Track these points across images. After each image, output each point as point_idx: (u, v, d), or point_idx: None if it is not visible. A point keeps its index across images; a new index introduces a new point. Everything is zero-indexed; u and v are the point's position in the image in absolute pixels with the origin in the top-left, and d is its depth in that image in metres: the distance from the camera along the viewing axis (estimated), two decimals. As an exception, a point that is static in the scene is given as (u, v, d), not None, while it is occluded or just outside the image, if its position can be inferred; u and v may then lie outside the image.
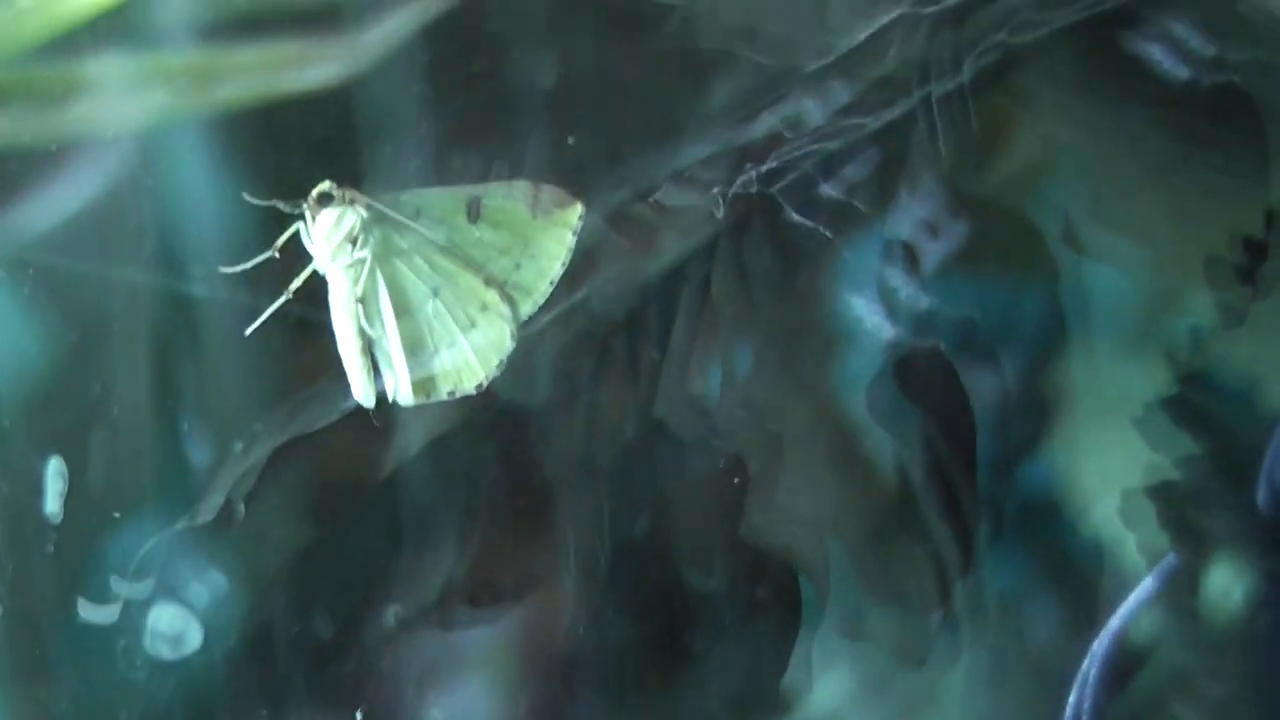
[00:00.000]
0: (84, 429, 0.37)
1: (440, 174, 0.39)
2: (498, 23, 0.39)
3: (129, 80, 0.37)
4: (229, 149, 0.37)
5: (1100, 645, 0.41)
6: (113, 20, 0.36)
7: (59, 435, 0.37)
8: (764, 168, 0.41)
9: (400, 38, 0.37)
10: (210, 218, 0.37)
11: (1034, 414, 0.43)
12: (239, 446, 0.38)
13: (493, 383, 0.37)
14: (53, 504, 0.37)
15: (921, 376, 0.42)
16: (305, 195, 0.36)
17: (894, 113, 0.42)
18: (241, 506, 0.38)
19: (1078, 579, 0.42)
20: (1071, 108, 0.44)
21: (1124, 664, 0.41)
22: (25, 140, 0.37)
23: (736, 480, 0.41)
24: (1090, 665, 0.41)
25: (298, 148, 0.38)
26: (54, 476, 0.37)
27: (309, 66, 0.36)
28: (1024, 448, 0.42)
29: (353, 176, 0.36)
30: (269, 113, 0.37)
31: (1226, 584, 0.41)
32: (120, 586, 0.38)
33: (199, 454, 0.39)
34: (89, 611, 0.38)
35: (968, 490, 0.42)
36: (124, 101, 0.37)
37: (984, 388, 0.42)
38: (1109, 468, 0.42)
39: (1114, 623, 0.41)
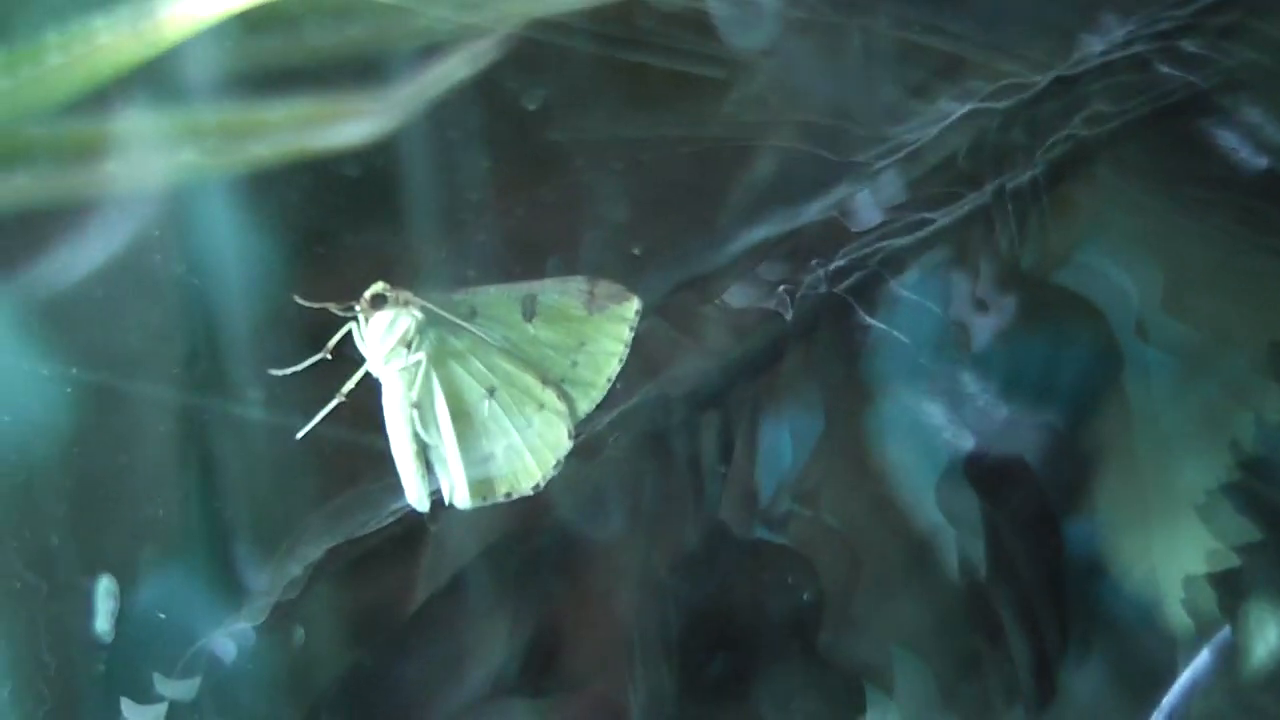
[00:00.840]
0: (134, 544, 0.37)
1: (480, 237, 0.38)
2: (539, 91, 0.39)
3: (158, 137, 0.37)
4: (260, 208, 0.37)
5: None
6: (142, 77, 0.36)
7: (107, 552, 0.37)
8: (831, 265, 0.40)
9: (436, 93, 0.37)
10: (242, 284, 0.37)
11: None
12: (284, 547, 0.37)
13: (550, 486, 0.37)
14: (104, 623, 0.36)
15: (995, 479, 0.41)
16: (357, 296, 0.35)
17: (962, 207, 0.41)
18: (300, 630, 0.37)
19: (1149, 682, 0.41)
20: (1143, 197, 0.43)
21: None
22: (53, 198, 0.36)
23: (806, 595, 0.40)
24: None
25: (330, 207, 0.38)
26: (105, 596, 0.36)
27: (342, 123, 0.36)
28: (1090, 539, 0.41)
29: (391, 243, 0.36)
30: (300, 171, 0.37)
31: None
32: (164, 686, 0.37)
33: (248, 559, 0.38)
34: (133, 713, 0.36)
35: (1047, 597, 0.40)
36: (153, 159, 0.36)
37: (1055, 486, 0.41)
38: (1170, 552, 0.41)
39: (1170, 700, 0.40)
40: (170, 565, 0.37)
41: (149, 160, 0.37)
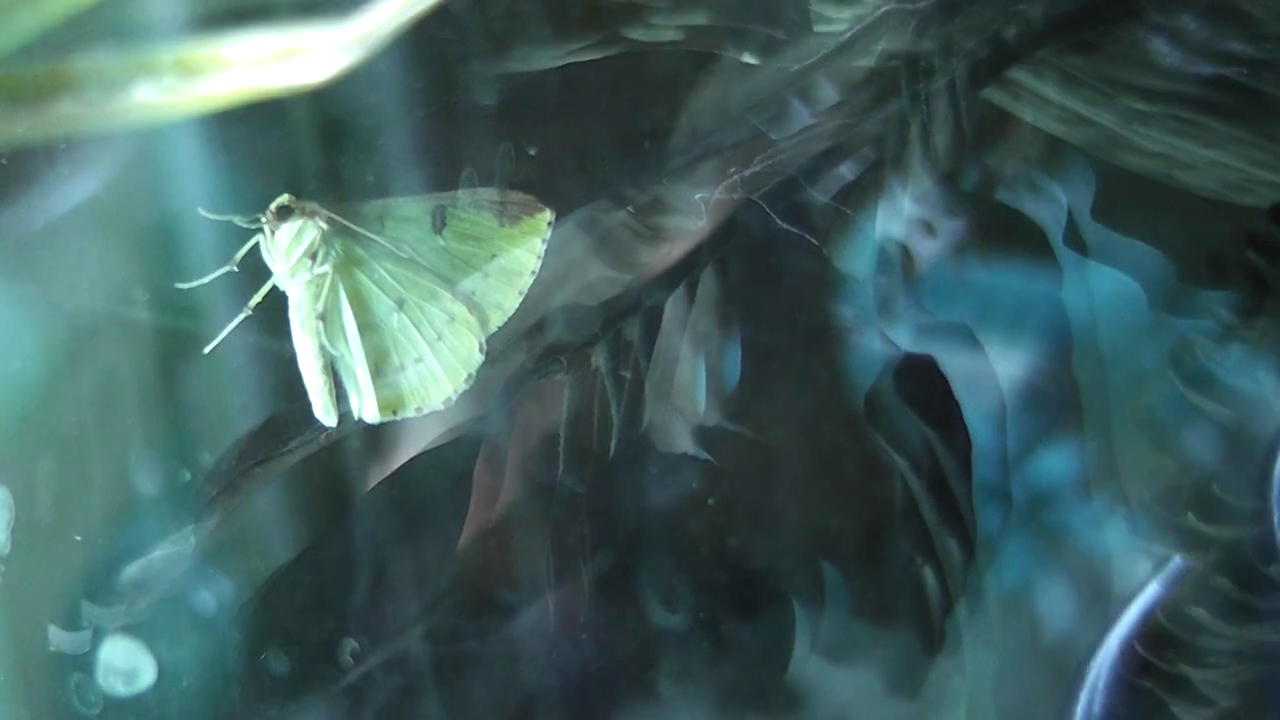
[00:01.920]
0: (35, 455, 0.37)
1: (411, 181, 0.38)
2: (467, 21, 0.39)
3: (113, 77, 0.36)
4: (216, 148, 0.37)
5: (1108, 651, 0.40)
6: (95, 16, 0.36)
7: (6, 464, 0.36)
8: (747, 172, 0.40)
9: (390, 31, 0.36)
10: (193, 222, 0.36)
11: (1039, 416, 0.41)
12: (210, 461, 0.37)
13: (462, 399, 0.36)
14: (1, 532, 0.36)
15: (918, 384, 0.41)
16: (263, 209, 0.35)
17: (883, 112, 0.41)
18: (192, 539, 0.37)
19: (1084, 583, 0.41)
20: (1071, 103, 0.42)
21: (1132, 669, 0.39)
22: (8, 140, 0.36)
23: (718, 498, 0.40)
24: (1099, 671, 0.39)
25: (283, 146, 0.37)
26: (2, 506, 0.36)
27: (297, 60, 0.35)
28: (1027, 450, 0.41)
29: (326, 178, 0.36)
30: (256, 110, 0.36)
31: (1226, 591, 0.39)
32: (92, 613, 0.37)
33: (162, 478, 0.38)
34: (60, 639, 0.37)
35: (965, 500, 0.40)
36: (108, 99, 0.35)
37: (983, 393, 0.41)
38: (1114, 471, 0.41)
39: (1121, 628, 0.39)
40: (82, 483, 0.37)
41: (105, 100, 0.36)
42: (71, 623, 0.37)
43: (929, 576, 0.40)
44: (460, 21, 0.38)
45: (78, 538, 0.37)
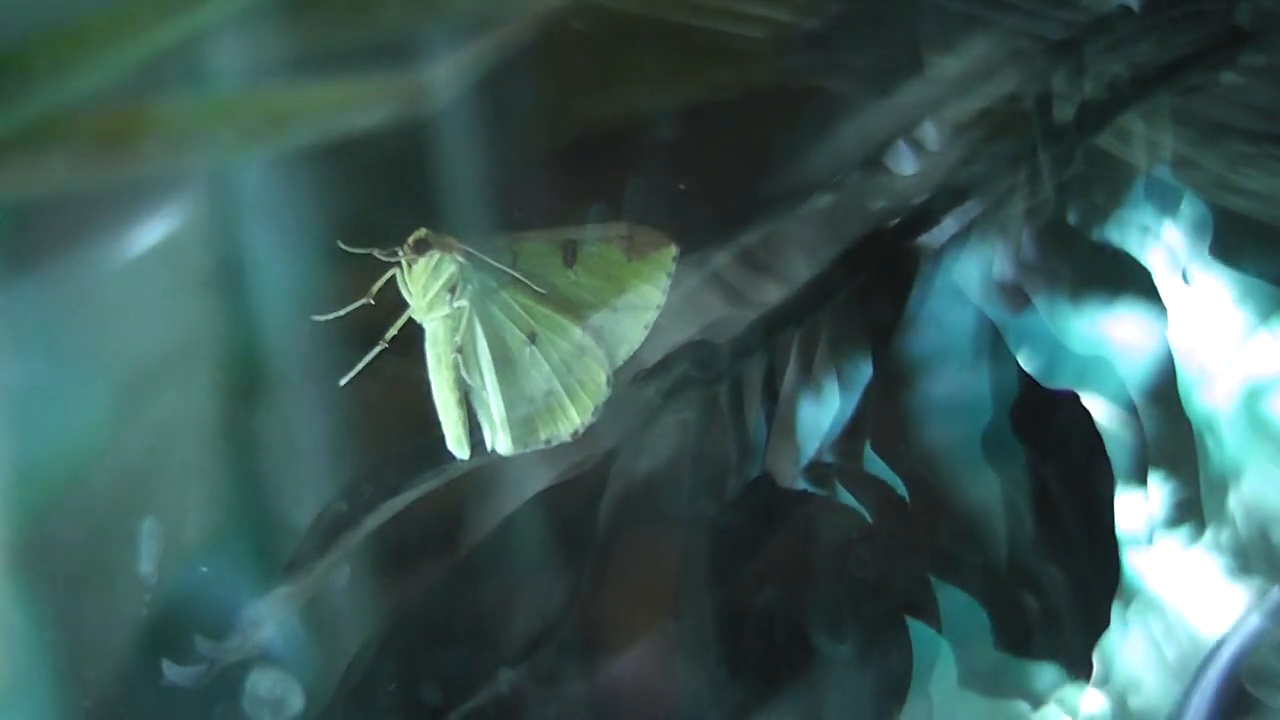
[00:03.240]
0: (180, 488, 0.37)
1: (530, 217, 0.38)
2: (575, 58, 0.39)
3: (193, 120, 0.36)
4: (298, 191, 0.37)
5: (1207, 684, 0.40)
6: (175, 59, 0.36)
7: (154, 496, 0.37)
8: (874, 210, 0.40)
9: (473, 73, 0.37)
10: (283, 261, 0.36)
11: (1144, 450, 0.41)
12: (342, 505, 0.37)
13: (591, 432, 0.36)
14: (148, 564, 0.36)
15: (1058, 418, 0.41)
16: (400, 242, 0.35)
17: (993, 153, 0.41)
18: (346, 568, 0.37)
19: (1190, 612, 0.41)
20: (1178, 145, 0.43)
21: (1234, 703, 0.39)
22: (90, 181, 0.36)
23: (843, 534, 0.40)
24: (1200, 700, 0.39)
25: (371, 190, 0.37)
26: (149, 538, 0.36)
27: (378, 104, 0.36)
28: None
29: (434, 220, 0.35)
30: (339, 153, 0.36)
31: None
32: (206, 648, 0.36)
33: (296, 512, 0.37)
34: (174, 673, 0.36)
35: (1109, 531, 0.40)
36: (189, 142, 0.36)
37: (1109, 427, 0.41)
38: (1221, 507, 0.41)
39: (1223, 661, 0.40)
40: (219, 518, 0.37)
41: (186, 143, 0.37)
42: (185, 657, 0.36)
43: (1070, 607, 0.40)
44: (568, 61, 0.39)
45: (204, 569, 0.37)
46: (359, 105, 0.36)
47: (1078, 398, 0.41)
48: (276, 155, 0.36)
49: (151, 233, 0.36)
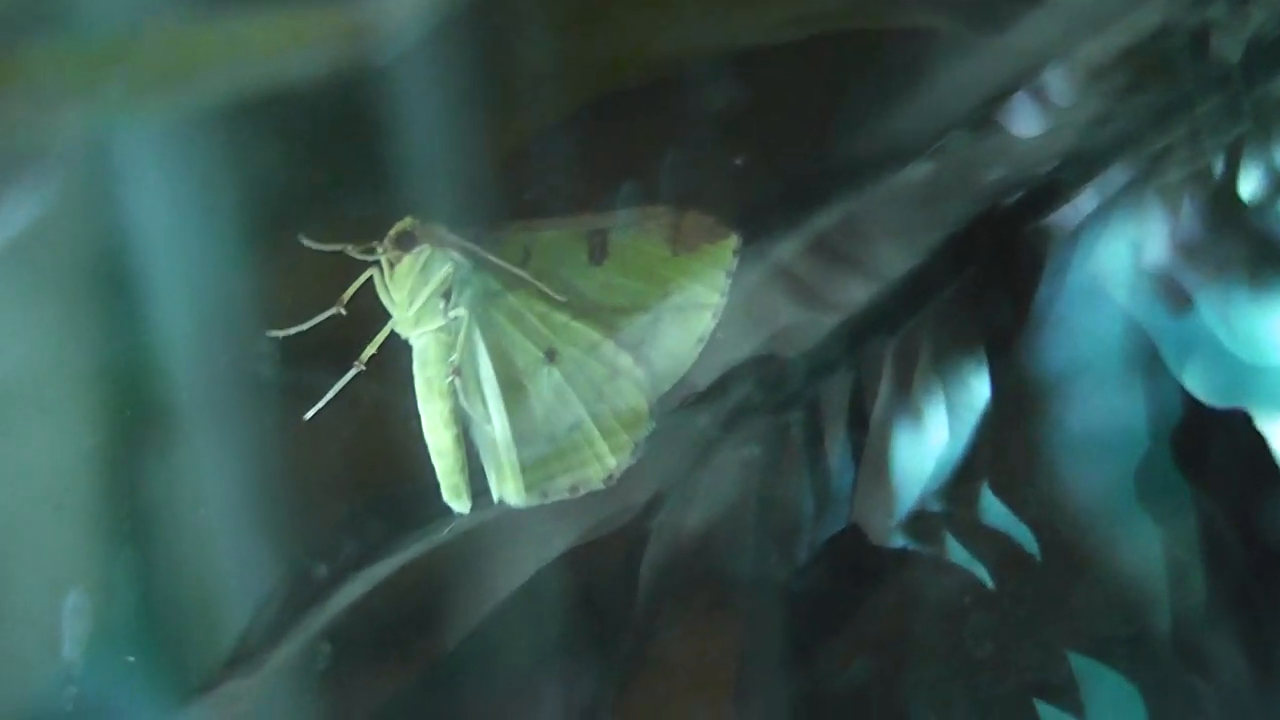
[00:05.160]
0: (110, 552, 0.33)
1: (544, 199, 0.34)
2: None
3: (68, 70, 0.32)
4: (213, 162, 0.32)
5: None
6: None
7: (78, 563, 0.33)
8: (988, 182, 0.36)
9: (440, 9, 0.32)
10: (194, 257, 0.32)
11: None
12: (322, 571, 0.34)
13: (628, 476, 0.33)
14: (71, 649, 0.32)
15: (1210, 450, 0.37)
16: (379, 235, 0.31)
17: (1140, 104, 0.37)
18: (326, 647, 0.33)
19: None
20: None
21: None
22: None
23: (967, 599, 0.36)
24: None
25: (317, 161, 0.33)
26: (72, 615, 0.33)
27: (322, 44, 0.32)
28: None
29: (415, 205, 0.31)
30: (269, 111, 0.32)
31: None
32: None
33: (259, 581, 0.33)
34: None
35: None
36: (62, 99, 0.32)
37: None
38: None
39: None
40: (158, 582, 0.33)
41: (59, 100, 0.32)
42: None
43: (1252, 691, 0.36)
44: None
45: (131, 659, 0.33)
46: (295, 47, 0.32)
47: (1253, 421, 0.37)
48: (181, 115, 0.32)
49: (11, 218, 0.32)
